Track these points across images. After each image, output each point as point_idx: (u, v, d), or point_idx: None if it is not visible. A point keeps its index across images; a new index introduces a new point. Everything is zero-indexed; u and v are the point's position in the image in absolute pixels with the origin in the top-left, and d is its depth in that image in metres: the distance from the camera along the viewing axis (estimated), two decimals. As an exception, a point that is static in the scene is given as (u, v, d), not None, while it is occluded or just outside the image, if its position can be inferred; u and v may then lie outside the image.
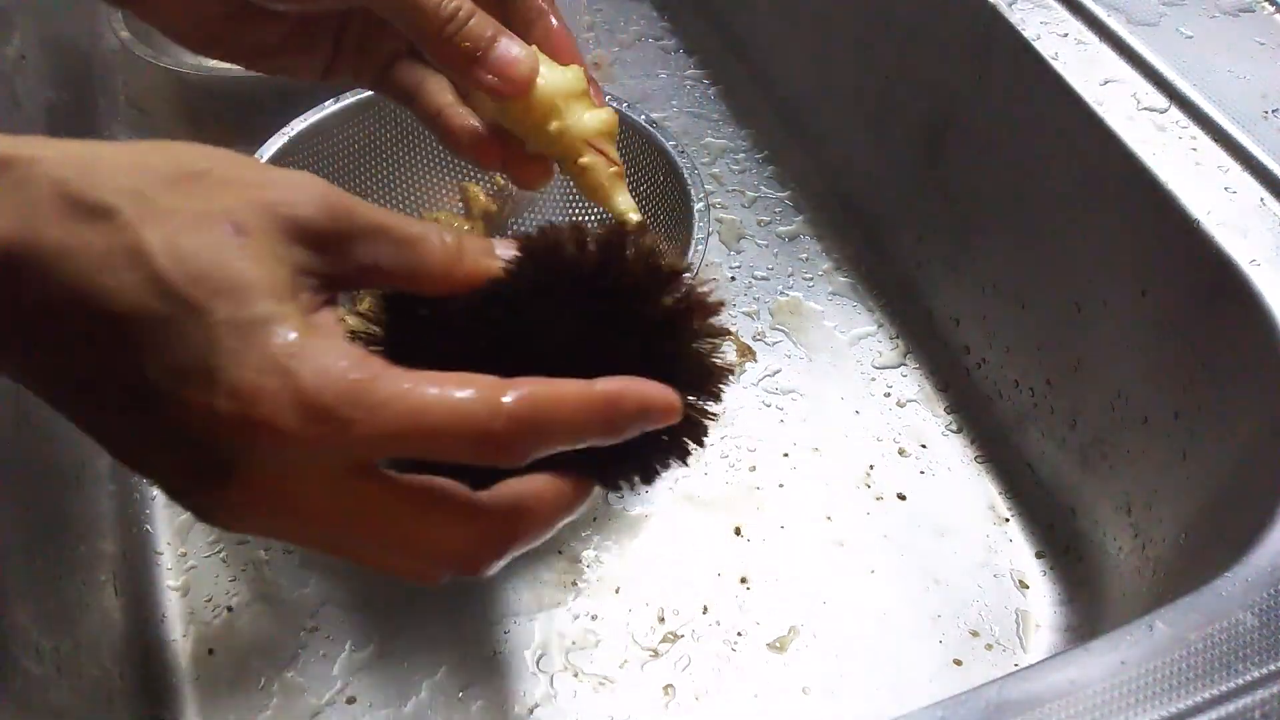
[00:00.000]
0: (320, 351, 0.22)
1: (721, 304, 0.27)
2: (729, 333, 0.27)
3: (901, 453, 0.55)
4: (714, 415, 0.28)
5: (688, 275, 0.27)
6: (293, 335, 0.22)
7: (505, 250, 0.27)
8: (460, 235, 0.27)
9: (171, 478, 0.24)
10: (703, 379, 0.27)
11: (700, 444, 0.28)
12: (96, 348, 0.22)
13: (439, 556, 0.25)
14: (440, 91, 0.37)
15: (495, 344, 0.27)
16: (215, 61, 0.74)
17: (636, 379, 0.25)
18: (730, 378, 0.28)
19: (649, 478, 0.29)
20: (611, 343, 0.27)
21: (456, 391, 0.23)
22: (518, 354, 0.26)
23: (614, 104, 0.56)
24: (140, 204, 0.23)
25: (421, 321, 0.28)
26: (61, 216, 0.22)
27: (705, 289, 0.27)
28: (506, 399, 0.23)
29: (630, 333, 0.27)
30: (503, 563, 0.26)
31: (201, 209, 0.23)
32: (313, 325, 0.23)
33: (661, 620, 0.48)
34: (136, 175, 0.23)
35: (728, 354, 0.27)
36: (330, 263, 0.25)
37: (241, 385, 0.22)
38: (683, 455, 0.28)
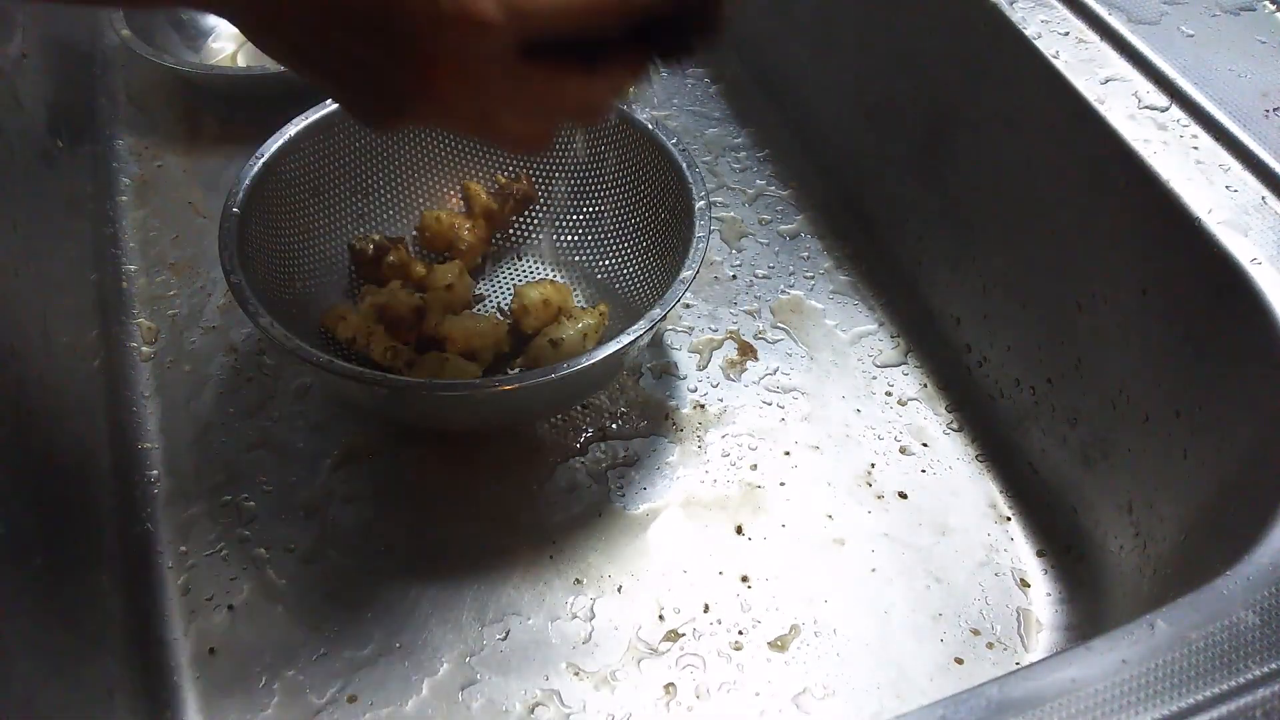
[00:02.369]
0: None
1: None
2: None
3: (903, 451, 0.55)
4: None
5: None
6: None
7: None
8: None
9: (374, 76, 0.31)
10: None
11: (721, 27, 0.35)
12: None
13: (572, 108, 0.36)
14: None
15: None
16: (216, 60, 0.74)
17: None
18: None
19: (687, 50, 0.36)
20: None
21: None
22: None
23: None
24: None
25: None
26: None
27: None
28: None
29: None
30: (609, 111, 0.37)
31: None
32: None
33: (662, 619, 0.48)
34: None
35: None
36: None
37: None
38: (710, 34, 0.35)
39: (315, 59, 0.32)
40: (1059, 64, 0.48)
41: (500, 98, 0.33)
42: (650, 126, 0.55)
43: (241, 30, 0.33)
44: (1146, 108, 0.46)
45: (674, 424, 0.56)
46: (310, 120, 0.55)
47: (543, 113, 0.36)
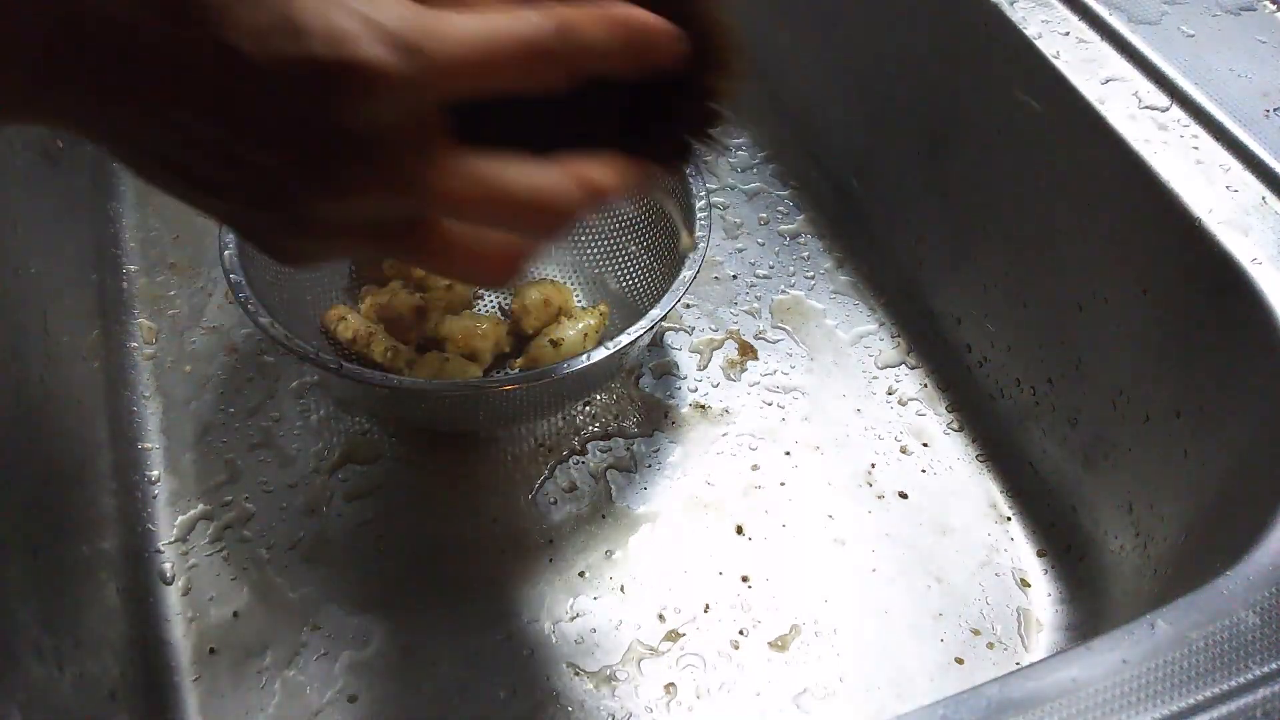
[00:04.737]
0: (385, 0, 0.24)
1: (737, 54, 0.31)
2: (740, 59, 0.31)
3: (903, 451, 0.55)
4: (734, 91, 0.32)
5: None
6: None
7: None
8: None
9: (244, 174, 0.24)
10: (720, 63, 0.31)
11: (720, 121, 0.32)
12: (176, 22, 0.22)
13: (530, 213, 0.27)
14: None
15: None
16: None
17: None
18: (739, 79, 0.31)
19: (684, 154, 0.32)
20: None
21: (501, 16, 0.25)
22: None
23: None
24: None
25: None
26: None
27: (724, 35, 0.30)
28: (538, 17, 0.25)
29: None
30: (566, 231, 0.28)
31: None
32: None
33: (663, 619, 0.48)
34: None
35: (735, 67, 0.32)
36: None
37: (333, 30, 0.22)
38: (706, 132, 0.32)
39: (166, 158, 0.25)
40: (1059, 64, 0.48)
41: (425, 191, 0.25)
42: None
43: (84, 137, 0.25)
44: (1146, 108, 0.46)
45: (674, 424, 0.56)
46: (310, 120, 0.54)
47: (492, 217, 0.27)
